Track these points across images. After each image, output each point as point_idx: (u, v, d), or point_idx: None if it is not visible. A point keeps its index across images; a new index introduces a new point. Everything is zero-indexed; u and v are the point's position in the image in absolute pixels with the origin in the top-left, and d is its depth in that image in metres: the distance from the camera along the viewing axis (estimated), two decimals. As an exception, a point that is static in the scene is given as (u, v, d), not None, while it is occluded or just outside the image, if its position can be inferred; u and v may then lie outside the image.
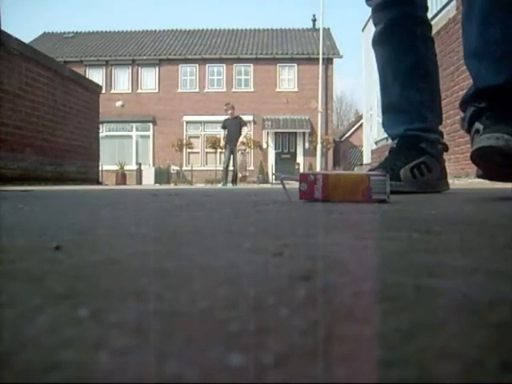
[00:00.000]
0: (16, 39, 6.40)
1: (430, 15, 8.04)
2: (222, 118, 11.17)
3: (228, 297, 0.29)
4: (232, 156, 10.65)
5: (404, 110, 2.15)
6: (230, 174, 10.85)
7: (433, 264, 0.39)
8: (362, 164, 13.73)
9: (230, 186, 10.06)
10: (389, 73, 2.20)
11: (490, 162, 1.51)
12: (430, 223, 0.77)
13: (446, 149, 2.23)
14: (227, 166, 10.70)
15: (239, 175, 10.82)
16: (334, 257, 0.43)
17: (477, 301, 0.27)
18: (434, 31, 7.65)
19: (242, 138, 10.90)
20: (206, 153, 21.63)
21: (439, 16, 6.96)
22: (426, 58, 2.18)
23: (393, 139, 2.22)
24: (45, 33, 25.90)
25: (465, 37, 1.72)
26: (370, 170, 2.06)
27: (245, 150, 11.11)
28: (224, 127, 10.92)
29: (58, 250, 0.48)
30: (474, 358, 0.19)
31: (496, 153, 1.41)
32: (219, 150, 18.55)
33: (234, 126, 10.67)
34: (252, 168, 21.32)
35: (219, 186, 10.04)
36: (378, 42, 2.22)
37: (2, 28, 5.70)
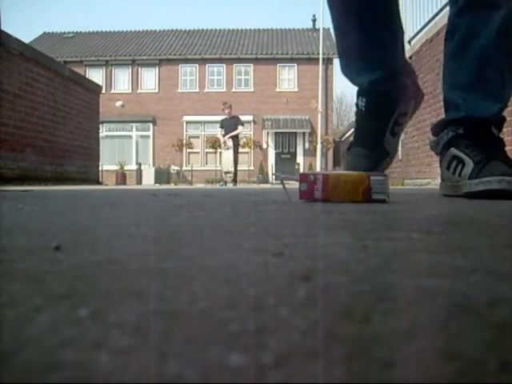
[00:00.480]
0: (16, 39, 6.40)
1: (429, 15, 7.99)
2: (222, 118, 11.15)
3: (228, 297, 0.29)
4: (232, 156, 10.58)
5: (363, 50, 1.82)
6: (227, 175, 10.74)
7: (433, 264, 0.39)
8: (362, 164, 13.69)
9: (230, 185, 9.97)
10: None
11: (491, 198, 1.53)
12: (430, 223, 0.77)
13: (416, 77, 2.02)
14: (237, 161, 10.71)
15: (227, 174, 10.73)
16: (333, 257, 0.43)
17: (477, 301, 0.27)
18: (433, 32, 7.63)
19: (234, 134, 10.66)
20: (206, 153, 21.63)
21: (439, 16, 6.96)
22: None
23: (357, 89, 1.92)
24: (45, 33, 25.90)
25: (451, 70, 1.74)
26: (349, 147, 1.92)
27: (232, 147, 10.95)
28: (222, 127, 10.82)
29: (58, 250, 0.48)
30: (474, 357, 0.19)
31: (503, 193, 1.42)
32: (219, 150, 18.55)
33: (231, 126, 10.56)
34: (252, 168, 21.32)
35: (217, 186, 9.92)
36: None
37: (2, 28, 5.70)
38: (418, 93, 1.97)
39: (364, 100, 1.87)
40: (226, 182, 10.65)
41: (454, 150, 1.67)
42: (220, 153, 19.67)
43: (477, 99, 1.67)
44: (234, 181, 10.62)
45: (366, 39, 1.80)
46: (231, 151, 10.64)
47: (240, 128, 10.76)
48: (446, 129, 1.75)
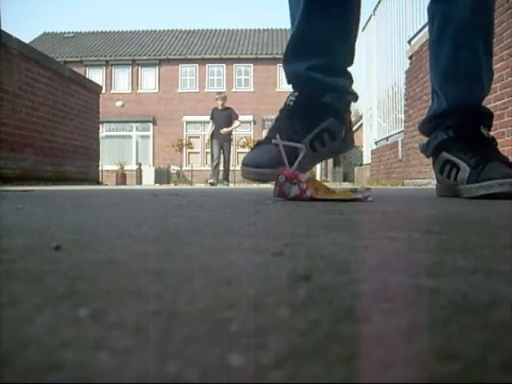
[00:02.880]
0: (16, 39, 6.40)
1: (425, 20, 8.11)
2: (213, 108, 10.04)
3: (228, 297, 0.29)
4: (222, 151, 9.60)
5: (307, 41, 1.64)
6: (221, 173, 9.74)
7: (433, 264, 0.39)
8: (362, 164, 13.70)
9: (222, 185, 9.19)
10: None
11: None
12: (430, 223, 0.77)
13: (356, 99, 1.74)
14: (218, 163, 9.59)
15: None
16: (334, 257, 0.43)
17: (477, 301, 0.27)
18: (427, 36, 7.69)
19: (230, 129, 9.64)
20: (206, 153, 21.63)
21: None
22: None
23: (289, 82, 1.71)
24: (45, 33, 25.91)
25: (433, 57, 1.71)
26: (259, 142, 1.66)
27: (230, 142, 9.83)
28: (212, 118, 9.62)
29: (58, 249, 0.48)
30: (474, 358, 0.19)
31: (505, 196, 1.40)
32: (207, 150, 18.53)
33: (222, 118, 9.46)
34: (252, 168, 21.24)
35: (210, 182, 9.21)
36: None
37: (2, 28, 5.70)
38: (351, 135, 1.74)
39: (295, 94, 1.64)
40: (226, 180, 9.70)
41: (446, 155, 1.63)
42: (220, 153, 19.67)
43: (455, 85, 1.64)
44: (226, 178, 9.72)
45: (315, 19, 1.60)
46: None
47: (236, 123, 9.73)
48: (435, 131, 1.71)
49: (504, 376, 0.18)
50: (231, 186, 9.55)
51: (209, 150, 9.96)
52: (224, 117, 9.56)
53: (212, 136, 9.61)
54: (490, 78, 1.69)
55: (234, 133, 10.16)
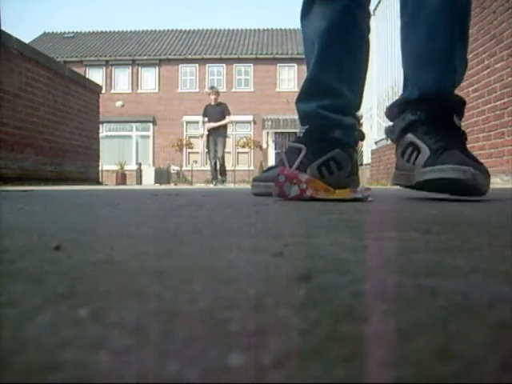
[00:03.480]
0: (16, 39, 6.40)
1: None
2: (206, 104, 9.76)
3: (228, 297, 0.29)
4: (216, 148, 9.37)
5: (320, 85, 1.80)
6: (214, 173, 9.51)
7: (433, 264, 0.39)
8: (362, 164, 13.70)
9: (219, 184, 8.98)
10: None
11: (443, 191, 1.45)
12: (430, 223, 0.77)
13: (362, 137, 1.91)
14: (216, 162, 9.40)
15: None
16: (334, 257, 0.43)
17: (477, 301, 0.27)
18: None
19: (221, 123, 9.35)
20: (206, 153, 21.64)
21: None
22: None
23: (301, 120, 1.86)
24: (45, 33, 25.91)
25: (404, 42, 1.66)
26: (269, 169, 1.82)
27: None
28: (204, 115, 9.42)
29: (58, 249, 0.48)
30: (474, 357, 0.19)
31: (457, 184, 1.31)
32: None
33: (215, 114, 9.25)
34: (252, 168, 21.31)
35: (211, 186, 8.77)
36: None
37: (2, 28, 5.70)
38: (357, 176, 1.88)
39: (306, 127, 1.80)
40: (224, 177, 9.47)
41: (410, 136, 1.54)
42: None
43: (427, 71, 1.59)
44: (223, 175, 9.50)
45: (327, 62, 1.77)
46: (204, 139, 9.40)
47: (228, 118, 9.42)
48: (403, 113, 1.63)
49: (504, 376, 0.18)
50: (231, 186, 9.40)
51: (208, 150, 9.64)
52: (217, 112, 9.32)
53: (208, 134, 9.40)
54: (464, 67, 1.64)
55: (229, 129, 9.98)
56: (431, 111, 1.53)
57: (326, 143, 1.73)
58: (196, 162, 8.49)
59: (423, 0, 1.58)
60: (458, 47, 1.58)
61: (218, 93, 9.53)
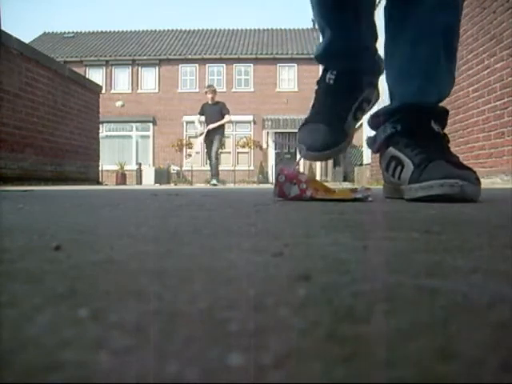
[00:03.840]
0: (16, 39, 6.41)
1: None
2: (203, 103, 9.41)
3: (228, 297, 0.29)
4: (211, 146, 9.08)
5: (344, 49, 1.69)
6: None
7: (432, 264, 0.39)
8: (362, 164, 13.68)
9: (214, 182, 8.72)
10: None
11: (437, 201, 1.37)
12: (430, 223, 0.77)
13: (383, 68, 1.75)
14: (216, 159, 9.13)
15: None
16: (334, 257, 0.43)
17: (477, 301, 0.27)
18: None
19: (221, 123, 9.04)
20: (206, 153, 21.62)
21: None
22: None
23: (324, 60, 1.77)
24: (45, 33, 25.91)
25: (388, 53, 1.62)
26: (304, 123, 1.74)
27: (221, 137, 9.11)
28: (202, 114, 9.09)
29: (58, 249, 0.48)
30: (474, 357, 0.19)
31: (447, 198, 1.28)
32: (219, 150, 18.50)
33: (213, 113, 8.94)
34: (252, 168, 21.32)
35: (209, 185, 8.55)
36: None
37: (2, 28, 5.70)
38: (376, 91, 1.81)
39: (334, 73, 1.70)
40: (216, 176, 9.05)
41: (392, 150, 1.51)
42: (220, 153, 19.67)
43: (409, 85, 1.55)
44: (216, 175, 9.13)
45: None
46: (200, 138, 9.05)
47: (227, 117, 9.11)
48: (383, 124, 1.60)
49: (504, 376, 0.18)
50: (231, 186, 9.28)
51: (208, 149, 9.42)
52: (215, 111, 9.03)
53: (206, 134, 9.11)
54: (450, 80, 1.58)
55: (229, 129, 9.84)
56: (410, 123, 1.50)
57: (358, 88, 1.71)
58: (190, 155, 8.20)
59: (408, 14, 1.53)
60: (444, 59, 1.53)
61: (215, 91, 9.25)
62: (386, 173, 1.56)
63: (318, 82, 1.77)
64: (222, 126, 9.13)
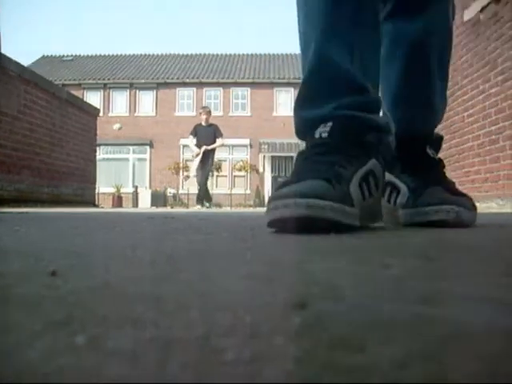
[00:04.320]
0: (15, 62, 6.46)
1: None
2: (196, 124, 9.29)
3: (224, 324, 0.29)
4: (202, 171, 8.86)
5: (331, 77, 1.25)
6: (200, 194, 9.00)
7: (429, 291, 0.39)
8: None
9: (199, 207, 8.51)
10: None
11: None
12: (426, 248, 0.78)
13: (393, 143, 1.39)
14: (206, 182, 8.91)
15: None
16: (329, 283, 0.43)
17: (472, 328, 0.28)
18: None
19: (214, 146, 8.92)
20: (196, 176, 21.60)
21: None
22: None
23: (300, 131, 1.31)
24: (43, 56, 26.10)
25: (383, 76, 1.40)
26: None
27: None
28: (194, 135, 8.94)
29: (55, 274, 0.48)
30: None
31: (443, 224, 1.25)
32: (216, 174, 18.54)
33: (207, 135, 8.81)
34: (248, 191, 21.33)
35: (202, 208, 8.34)
36: None
37: (2, 51, 5.74)
38: (379, 208, 1.32)
39: (329, 125, 1.20)
40: (200, 201, 8.79)
41: (388, 175, 1.37)
42: (217, 176, 19.72)
43: (404, 112, 1.50)
44: (202, 200, 8.91)
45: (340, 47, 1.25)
46: (198, 159, 8.85)
47: (220, 140, 8.95)
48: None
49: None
50: (227, 209, 9.21)
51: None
52: (208, 134, 8.85)
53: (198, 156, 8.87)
54: (444, 104, 1.58)
55: (226, 153, 9.79)
56: (405, 149, 1.45)
57: (361, 149, 1.20)
58: (188, 177, 8.05)
59: (400, 35, 1.49)
60: (437, 85, 1.52)
61: (209, 112, 9.13)
62: (382, 198, 1.35)
63: (308, 140, 1.26)
64: (214, 150, 8.98)
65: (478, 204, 1.51)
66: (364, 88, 1.26)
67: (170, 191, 21.00)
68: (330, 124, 1.20)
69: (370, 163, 1.19)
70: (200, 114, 9.16)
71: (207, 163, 8.93)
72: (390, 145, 1.33)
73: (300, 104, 1.30)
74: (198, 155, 8.84)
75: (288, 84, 22.13)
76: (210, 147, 8.81)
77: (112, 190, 19.05)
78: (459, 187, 1.47)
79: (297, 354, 0.23)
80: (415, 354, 0.23)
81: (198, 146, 8.86)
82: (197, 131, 8.95)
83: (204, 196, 9.01)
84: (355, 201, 1.09)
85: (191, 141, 9.00)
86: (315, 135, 1.21)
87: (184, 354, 0.23)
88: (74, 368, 0.21)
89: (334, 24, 1.25)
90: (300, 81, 1.33)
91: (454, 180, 1.53)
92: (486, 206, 4.78)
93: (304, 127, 1.28)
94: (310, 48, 1.26)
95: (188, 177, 8.62)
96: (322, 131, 1.20)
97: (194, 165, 8.95)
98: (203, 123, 8.99)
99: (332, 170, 1.10)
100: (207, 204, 8.87)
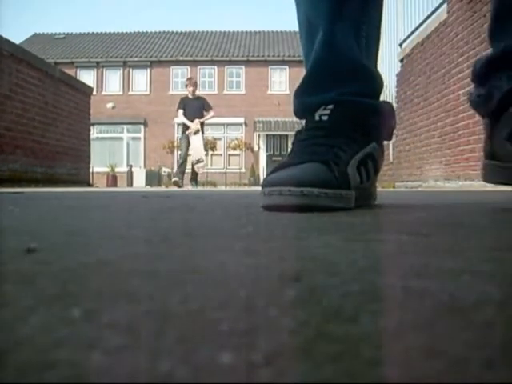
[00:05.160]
0: (6, 40, 6.38)
1: (420, 18, 8.03)
2: (215, 120, 9.04)
3: (219, 298, 0.29)
4: (189, 146, 8.35)
5: (338, 65, 1.20)
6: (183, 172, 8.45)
7: (421, 265, 0.40)
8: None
9: (190, 187, 8.01)
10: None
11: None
12: (419, 225, 0.78)
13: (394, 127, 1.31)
14: (184, 160, 8.35)
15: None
16: (324, 258, 0.43)
17: (463, 301, 0.28)
18: (424, 35, 7.65)
19: (206, 119, 8.41)
20: (180, 148, 21.49)
21: (430, 19, 7.01)
22: None
23: (311, 112, 1.22)
24: (35, 34, 25.78)
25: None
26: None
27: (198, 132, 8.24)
28: (182, 108, 8.27)
29: (50, 251, 0.48)
30: (460, 356, 0.20)
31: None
32: (210, 152, 18.50)
33: (195, 108, 8.22)
34: (243, 170, 21.32)
35: (176, 188, 7.69)
36: None
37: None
38: (374, 190, 1.29)
39: (330, 107, 1.18)
40: (194, 181, 8.29)
41: None
42: (211, 155, 19.67)
43: None
44: (194, 179, 8.52)
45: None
46: (200, 135, 8.32)
47: (212, 112, 8.47)
48: (499, 72, 1.18)
49: (488, 374, 0.18)
50: (222, 188, 9.08)
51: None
52: (197, 106, 8.30)
53: (182, 130, 8.39)
54: None
55: (220, 131, 9.46)
56: None
57: (363, 132, 1.18)
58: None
59: None
60: None
61: (195, 83, 8.55)
62: (510, 144, 1.10)
63: (306, 123, 1.25)
64: (203, 124, 8.51)
65: (472, 182, 1.51)
66: (369, 75, 1.24)
67: (165, 170, 20.95)
68: (330, 107, 1.19)
69: (369, 146, 1.17)
70: (186, 86, 8.56)
71: (199, 138, 8.49)
72: (391, 129, 1.29)
73: (303, 90, 1.27)
74: (197, 132, 8.31)
75: (283, 62, 21.99)
76: (203, 119, 8.36)
77: (106, 169, 19.00)
78: (454, 165, 1.46)
79: (291, 325, 0.24)
80: (406, 324, 0.24)
81: (187, 119, 8.31)
82: (184, 104, 8.32)
83: (195, 174, 8.61)
84: (352, 183, 1.09)
85: (183, 116, 8.33)
86: (315, 117, 1.20)
87: (180, 327, 0.23)
88: (72, 340, 0.22)
89: (342, 10, 1.19)
90: (293, 59, 1.29)
91: (448, 158, 1.47)
92: (480, 185, 4.79)
93: (303, 110, 1.27)
94: (316, 36, 1.21)
95: (185, 161, 7.97)
96: (322, 114, 1.19)
97: (183, 146, 8.42)
98: (190, 95, 8.40)
99: (331, 152, 1.09)
100: (177, 179, 8.28)
